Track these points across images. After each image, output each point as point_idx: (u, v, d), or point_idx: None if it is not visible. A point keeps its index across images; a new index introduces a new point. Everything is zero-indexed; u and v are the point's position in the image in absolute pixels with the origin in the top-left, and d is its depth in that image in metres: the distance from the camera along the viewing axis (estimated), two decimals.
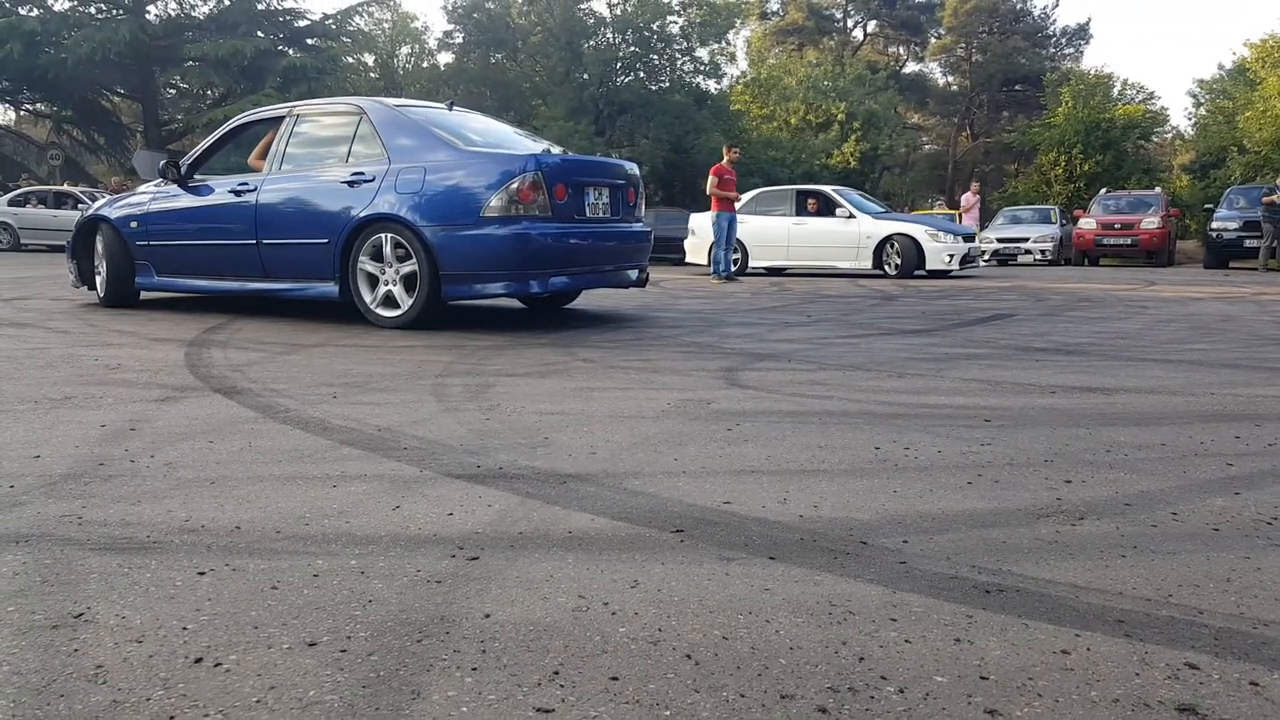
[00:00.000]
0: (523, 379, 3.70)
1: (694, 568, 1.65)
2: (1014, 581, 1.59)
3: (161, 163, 6.60)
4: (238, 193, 5.95)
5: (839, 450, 2.52)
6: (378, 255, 5.35)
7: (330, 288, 5.56)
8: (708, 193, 11.85)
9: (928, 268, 12.35)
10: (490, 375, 3.77)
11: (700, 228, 13.66)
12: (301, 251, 5.65)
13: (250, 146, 6.50)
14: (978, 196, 19.22)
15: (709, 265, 13.27)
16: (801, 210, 13.52)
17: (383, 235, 5.30)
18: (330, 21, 29.24)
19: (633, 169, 6.17)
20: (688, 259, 14.33)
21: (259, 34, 27.25)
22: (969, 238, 13.21)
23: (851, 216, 12.93)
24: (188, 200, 6.30)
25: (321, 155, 5.83)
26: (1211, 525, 1.90)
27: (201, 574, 1.61)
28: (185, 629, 1.39)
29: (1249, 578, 1.61)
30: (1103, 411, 3.10)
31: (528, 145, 5.84)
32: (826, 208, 13.29)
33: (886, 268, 12.58)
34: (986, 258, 15.56)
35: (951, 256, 12.34)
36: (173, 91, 29.80)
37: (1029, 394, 3.42)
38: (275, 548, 1.74)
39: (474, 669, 1.27)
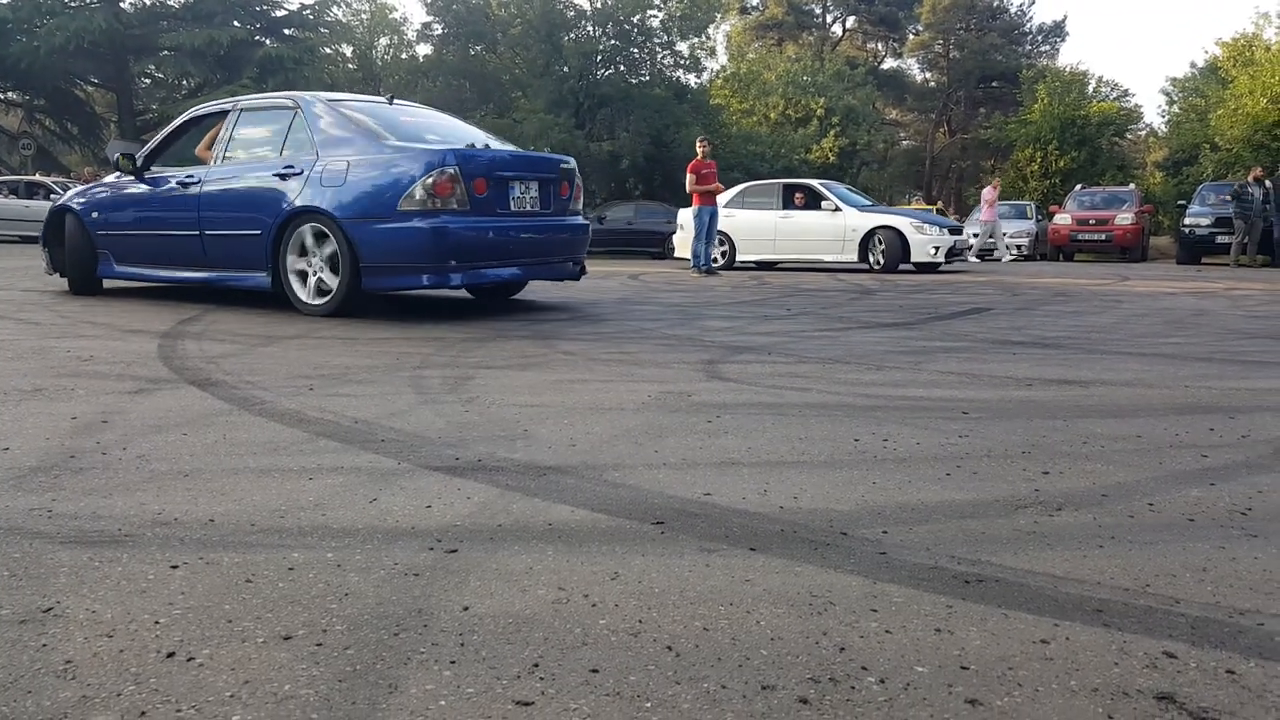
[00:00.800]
0: (502, 371, 3.68)
1: (674, 559, 1.64)
2: (993, 572, 1.59)
3: (116, 155, 6.78)
4: (184, 185, 6.11)
5: (819, 442, 2.52)
6: (305, 247, 5.50)
7: (264, 278, 5.71)
8: (688, 190, 11.84)
9: (913, 260, 12.35)
10: (469, 367, 3.74)
11: (688, 222, 13.61)
12: (239, 242, 5.81)
13: (247, 138, 6.57)
14: (997, 191, 19.13)
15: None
16: (788, 204, 13.48)
17: (306, 227, 5.44)
18: (308, 12, 28.93)
19: (568, 163, 6.18)
20: (676, 253, 14.24)
21: (235, 24, 26.93)
22: (955, 230, 13.23)
23: (837, 210, 12.90)
24: (142, 191, 6.46)
25: (259, 149, 6.02)
26: (1187, 516, 1.91)
27: (174, 567, 1.58)
28: (157, 623, 1.36)
29: (1224, 567, 1.63)
30: (1079, 404, 3.12)
31: (467, 139, 5.84)
32: (813, 201, 13.25)
33: (872, 261, 12.59)
34: (974, 252, 15.39)
35: (937, 249, 12.31)
36: (148, 81, 29.39)
37: (1006, 386, 3.44)
38: (250, 541, 1.72)
39: (452, 662, 1.25)
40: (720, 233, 13.08)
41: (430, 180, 5.09)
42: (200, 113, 6.66)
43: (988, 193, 18.68)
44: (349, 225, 5.24)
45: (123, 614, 1.39)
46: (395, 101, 6.32)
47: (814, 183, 14.05)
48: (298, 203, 5.42)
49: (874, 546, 1.71)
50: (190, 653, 1.27)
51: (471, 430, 2.62)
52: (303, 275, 5.54)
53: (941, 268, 12.83)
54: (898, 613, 1.43)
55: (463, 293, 6.61)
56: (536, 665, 1.25)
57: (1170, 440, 2.58)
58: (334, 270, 5.40)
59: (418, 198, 5.11)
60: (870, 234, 12.57)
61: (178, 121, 6.76)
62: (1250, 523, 1.87)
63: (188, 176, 6.11)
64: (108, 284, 7.02)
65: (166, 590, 1.48)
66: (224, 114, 6.29)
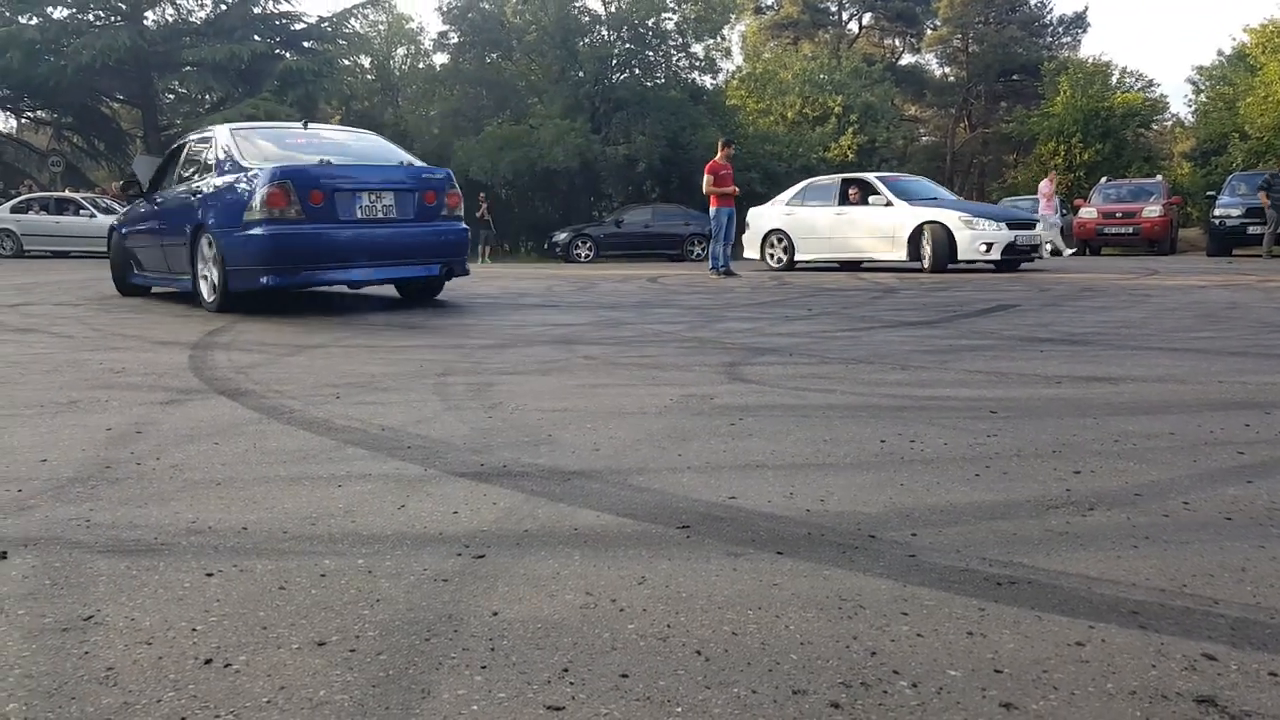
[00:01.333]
0: (525, 377, 3.69)
1: (701, 563, 1.64)
2: (1025, 573, 1.58)
3: (119, 183, 8.42)
4: (153, 205, 7.49)
5: (844, 444, 2.51)
6: (205, 255, 6.41)
7: (187, 280, 6.72)
8: (705, 191, 11.80)
9: (960, 258, 11.11)
10: (492, 374, 3.76)
11: (753, 220, 13.36)
12: (175, 252, 6.92)
13: (191, 164, 7.50)
14: (1054, 183, 18.73)
15: (764, 258, 13.05)
16: (844, 200, 12.49)
17: (203, 238, 6.36)
18: (326, 24, 29.17)
19: (434, 174, 6.81)
20: (745, 253, 13.76)
21: (255, 38, 27.22)
22: (1022, 224, 11.75)
23: (889, 204, 11.83)
24: (145, 210, 7.77)
25: (191, 172, 7.04)
26: (1224, 514, 1.89)
27: (209, 575, 1.60)
28: (194, 630, 1.38)
29: (1264, 567, 1.60)
30: (1110, 401, 3.08)
31: (370, 157, 6.83)
32: (866, 196, 12.19)
33: (922, 259, 11.39)
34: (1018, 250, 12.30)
35: (989, 246, 10.99)
36: (171, 97, 29.75)
37: (1034, 385, 3.41)
38: (282, 548, 1.73)
39: (483, 667, 1.26)
40: (779, 231, 12.83)
41: (263, 194, 5.84)
42: (181, 142, 7.66)
43: (1045, 185, 18.20)
44: (218, 235, 6.13)
45: (161, 621, 1.41)
46: (310, 126, 7.45)
47: (869, 175, 12.97)
48: (198, 218, 6.42)
49: (903, 549, 1.70)
50: (227, 659, 1.28)
51: (496, 436, 2.63)
52: (206, 278, 6.43)
53: (1002, 268, 11.45)
54: (929, 616, 1.42)
55: (501, 300, 6.76)
56: (566, 670, 1.25)
57: (1205, 437, 2.55)
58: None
59: (256, 210, 5.87)
60: (918, 230, 11.41)
61: (171, 149, 7.82)
62: None
63: (158, 198, 7.43)
64: (137, 299, 7.50)
65: (203, 598, 1.50)
66: (183, 146, 7.45)
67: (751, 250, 13.48)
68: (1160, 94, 34.91)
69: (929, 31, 43.13)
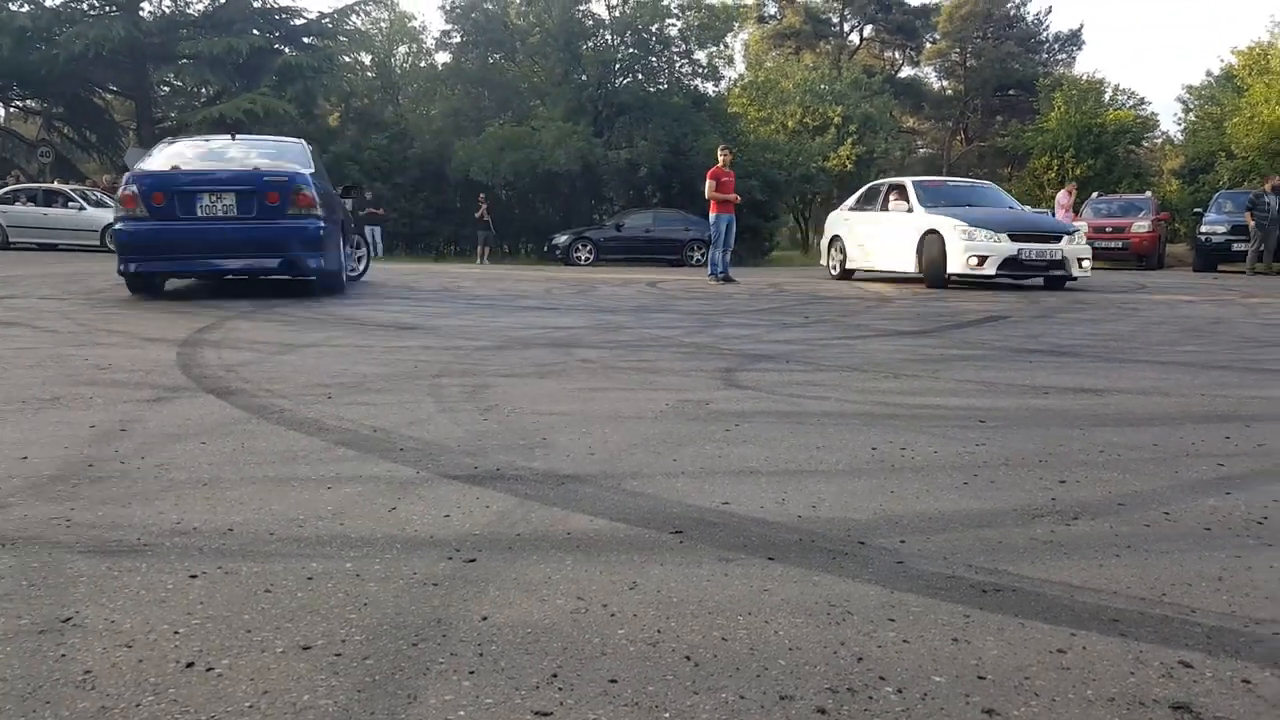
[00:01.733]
0: (521, 379, 3.69)
1: (693, 569, 1.65)
2: (1010, 581, 1.59)
3: (109, 176, 9.28)
4: None
5: (836, 451, 2.52)
6: None
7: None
8: (707, 196, 11.84)
9: (949, 271, 10.18)
10: (488, 376, 3.76)
11: (829, 227, 12.94)
12: None
13: None
14: (1073, 195, 18.72)
15: (827, 265, 12.78)
16: (884, 205, 11.67)
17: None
18: (327, 20, 29.12)
19: (276, 177, 7.26)
20: (822, 260, 13.46)
21: (254, 32, 27.11)
22: (1034, 235, 10.27)
23: (910, 210, 11.03)
24: None
25: None
26: (1203, 525, 1.90)
27: (193, 577, 1.60)
28: (176, 633, 1.38)
29: (1240, 577, 1.62)
30: (1096, 412, 3.10)
31: (275, 163, 7.63)
32: (900, 200, 11.37)
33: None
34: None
35: (981, 260, 9.88)
36: (166, 89, 29.63)
37: (1023, 395, 3.43)
38: (269, 550, 1.73)
39: (471, 672, 1.26)
40: (837, 239, 12.53)
41: (119, 195, 7.30)
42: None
43: (1063, 196, 18.14)
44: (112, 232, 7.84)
45: (142, 624, 1.41)
46: (238, 137, 8.63)
47: (905, 180, 12.10)
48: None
49: (891, 556, 1.71)
50: (209, 663, 1.28)
51: (490, 439, 2.64)
52: None
53: (1013, 283, 10.66)
54: (915, 622, 1.43)
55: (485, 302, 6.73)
56: (555, 675, 1.25)
57: (1187, 449, 2.57)
58: None
59: (118, 209, 7.33)
60: (922, 239, 10.53)
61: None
62: (1266, 532, 1.86)
63: None
64: (126, 294, 7.49)
65: (185, 600, 1.50)
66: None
67: (822, 257, 13.16)
68: (1151, 112, 35.16)
69: (928, 45, 43.37)
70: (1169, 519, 1.94)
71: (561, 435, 2.68)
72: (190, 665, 1.27)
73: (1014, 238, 10.04)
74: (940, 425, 2.88)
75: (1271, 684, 1.23)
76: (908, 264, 10.88)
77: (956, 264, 10.11)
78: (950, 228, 10.25)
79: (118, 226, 7.16)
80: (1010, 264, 9.96)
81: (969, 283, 10.61)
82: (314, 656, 1.30)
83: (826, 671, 1.27)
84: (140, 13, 26.51)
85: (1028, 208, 13.88)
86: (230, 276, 7.88)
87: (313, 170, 7.73)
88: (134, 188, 6.97)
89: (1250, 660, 1.30)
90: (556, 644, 1.35)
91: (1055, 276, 10.32)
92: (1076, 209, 20.42)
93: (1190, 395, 3.46)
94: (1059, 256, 10.10)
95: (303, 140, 8.85)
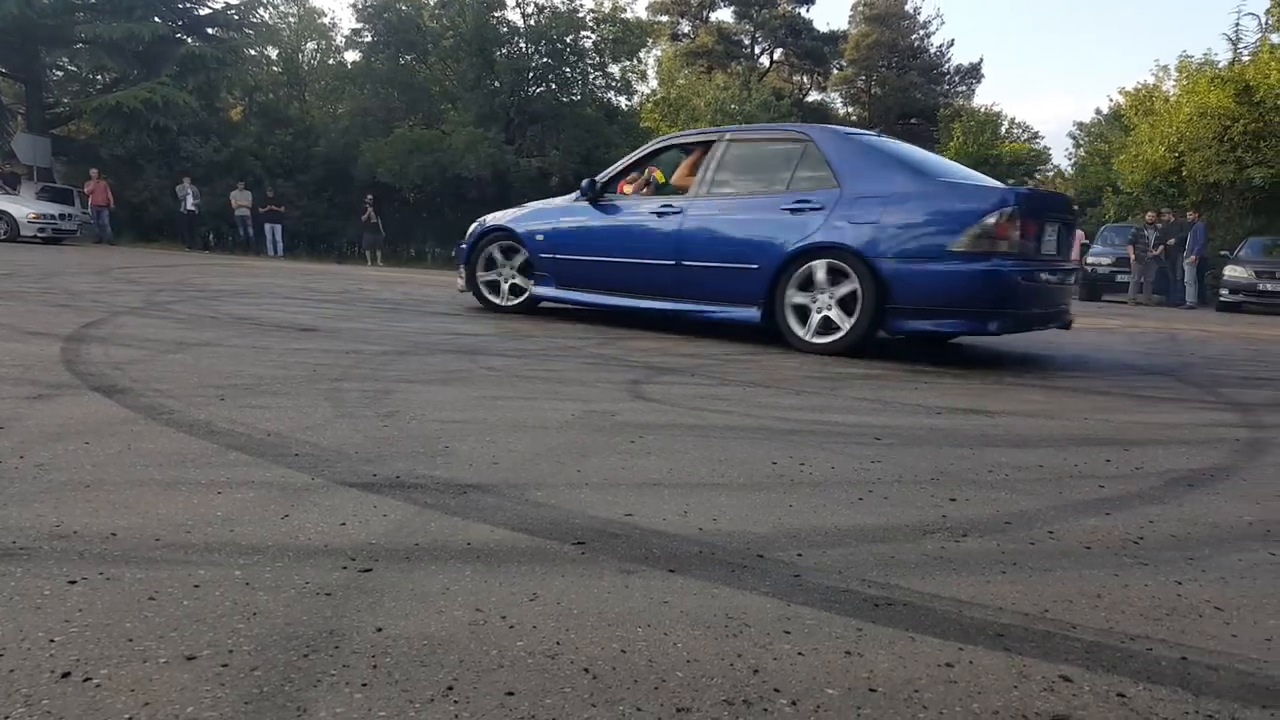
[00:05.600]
0: (424, 386, 3.63)
1: (594, 580, 1.65)
2: (902, 596, 1.64)
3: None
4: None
5: (738, 464, 2.56)
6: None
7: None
8: None
9: None
10: (390, 381, 3.69)
11: None
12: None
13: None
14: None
15: None
16: None
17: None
18: (233, 11, 28.18)
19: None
20: None
21: (156, 19, 26.07)
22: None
23: None
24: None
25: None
26: (1084, 544, 2.00)
27: (72, 583, 1.52)
28: (52, 641, 1.31)
29: (1118, 594, 1.70)
30: (985, 433, 3.23)
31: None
32: None
33: None
34: None
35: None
36: (60, 74, 28.21)
37: (917, 414, 3.54)
38: (154, 556, 1.66)
39: (364, 684, 1.23)
40: None
41: (995, 222, 5.16)
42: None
43: None
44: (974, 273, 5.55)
45: (15, 631, 1.33)
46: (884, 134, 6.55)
47: None
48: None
49: (789, 569, 1.75)
50: (87, 673, 1.22)
51: (390, 446, 2.58)
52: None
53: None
54: (810, 635, 1.46)
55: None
56: (451, 688, 1.23)
57: (1070, 470, 2.69)
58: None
59: (992, 240, 5.26)
60: None
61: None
62: (1142, 551, 1.96)
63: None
64: (11, 284, 6.79)
65: (63, 607, 1.42)
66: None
67: None
68: (1044, 146, 37.00)
69: (835, 72, 44.68)
70: (1053, 537, 2.03)
71: (464, 443, 2.65)
72: (66, 675, 1.21)
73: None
74: (838, 442, 2.95)
75: (1144, 697, 1.30)
76: None
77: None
78: None
79: (987, 266, 4.95)
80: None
81: None
82: (199, 667, 1.25)
83: (723, 684, 1.28)
84: None
85: None
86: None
87: None
88: (1016, 210, 4.98)
89: (1125, 674, 1.37)
90: (453, 656, 1.33)
91: None
92: None
93: (1074, 419, 3.64)
94: None
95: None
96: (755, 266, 5.76)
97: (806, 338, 5.58)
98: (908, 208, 5.27)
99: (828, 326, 5.52)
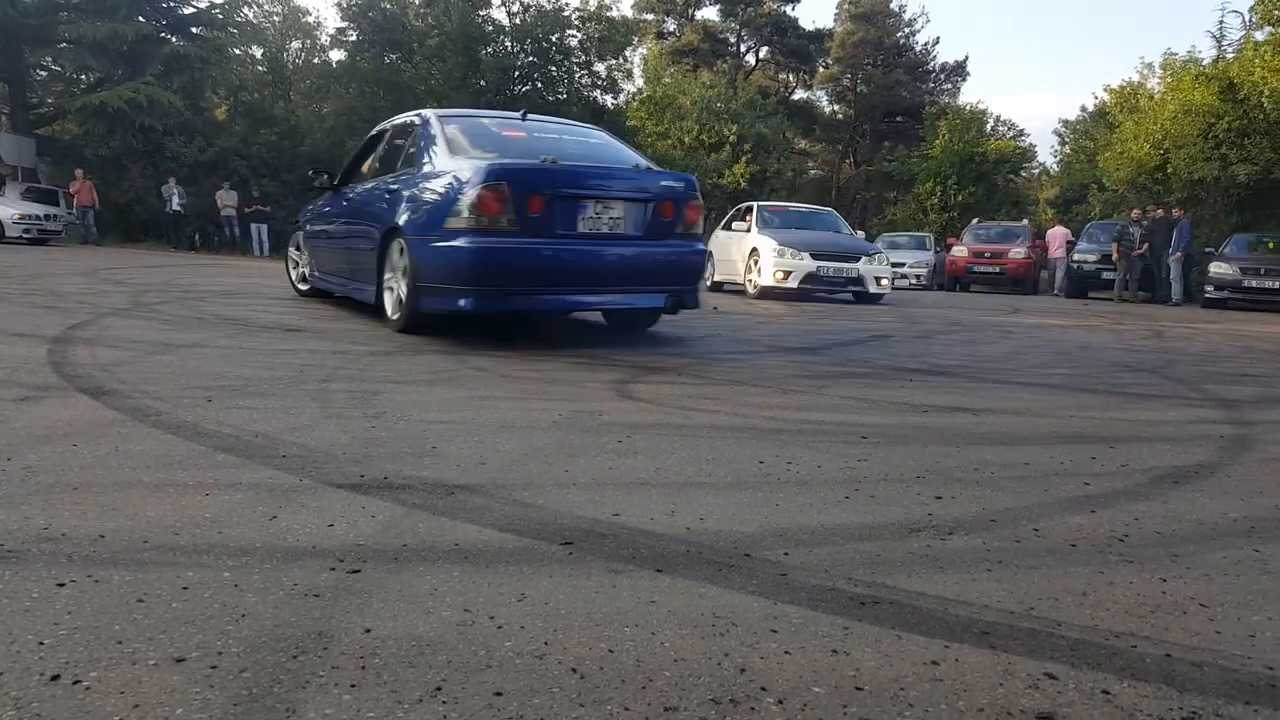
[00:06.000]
0: (411, 386, 3.63)
1: (582, 580, 1.65)
2: (888, 594, 1.65)
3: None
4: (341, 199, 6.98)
5: (725, 464, 2.57)
6: None
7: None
8: None
9: (761, 283, 11.66)
10: (377, 382, 3.68)
11: (710, 243, 13.41)
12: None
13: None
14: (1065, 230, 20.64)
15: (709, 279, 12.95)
16: (735, 225, 13.58)
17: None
18: (217, 11, 28.00)
19: (673, 182, 5.58)
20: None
21: (140, 19, 25.88)
22: (834, 256, 11.58)
23: (748, 230, 12.69)
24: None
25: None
26: (1069, 541, 2.02)
27: (61, 585, 1.51)
28: (41, 644, 1.30)
29: (1102, 591, 1.72)
30: (971, 431, 3.25)
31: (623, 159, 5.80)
32: (744, 221, 13.22)
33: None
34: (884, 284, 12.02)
35: (787, 274, 11.40)
36: (44, 74, 27.99)
37: (903, 412, 3.56)
38: (142, 558, 1.66)
39: (353, 685, 1.23)
40: (712, 254, 12.77)
41: (476, 195, 4.99)
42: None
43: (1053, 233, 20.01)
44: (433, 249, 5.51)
45: (3, 634, 1.33)
46: (531, 117, 6.16)
47: (753, 204, 13.89)
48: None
49: (775, 568, 1.76)
50: (76, 675, 1.22)
51: (378, 446, 2.58)
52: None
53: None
54: (796, 634, 1.47)
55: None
56: (439, 689, 1.24)
57: (1055, 468, 2.71)
58: None
59: (468, 214, 5.04)
60: (749, 254, 12.14)
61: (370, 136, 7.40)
62: (1127, 549, 1.98)
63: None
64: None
65: (52, 609, 1.42)
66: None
67: (722, 277, 13.55)
68: (1030, 143, 37.17)
69: (821, 70, 44.76)
70: (1038, 535, 2.05)
71: (451, 444, 2.65)
72: (56, 678, 1.21)
73: (815, 256, 11.52)
74: (824, 440, 2.97)
75: (1128, 694, 1.32)
76: (740, 277, 12.42)
77: (767, 278, 11.58)
78: (766, 246, 11.76)
79: (458, 243, 4.84)
80: (811, 279, 11.44)
81: (851, 301, 11.00)
82: (188, 669, 1.25)
83: (710, 683, 1.29)
84: None
85: (860, 233, 15.40)
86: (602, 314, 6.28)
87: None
88: (503, 185, 4.84)
89: (1110, 672, 1.39)
90: (441, 656, 1.33)
91: (855, 292, 11.76)
92: (942, 235, 21.83)
93: (1060, 416, 3.66)
94: (856, 274, 11.63)
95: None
96: (368, 249, 5.90)
97: (391, 316, 5.61)
98: (430, 185, 5.26)
99: (398, 305, 5.54)
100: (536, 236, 4.94)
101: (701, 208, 5.69)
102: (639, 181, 5.38)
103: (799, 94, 46.08)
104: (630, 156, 5.93)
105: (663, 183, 5.43)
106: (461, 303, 4.91)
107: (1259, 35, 19.00)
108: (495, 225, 4.83)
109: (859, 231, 14.61)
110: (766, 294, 11.69)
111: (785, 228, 12.75)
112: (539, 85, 27.26)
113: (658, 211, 5.35)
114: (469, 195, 4.83)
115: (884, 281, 11.86)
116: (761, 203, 14.35)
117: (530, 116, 6.16)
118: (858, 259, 11.72)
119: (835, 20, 44.01)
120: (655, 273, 5.45)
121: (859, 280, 11.62)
